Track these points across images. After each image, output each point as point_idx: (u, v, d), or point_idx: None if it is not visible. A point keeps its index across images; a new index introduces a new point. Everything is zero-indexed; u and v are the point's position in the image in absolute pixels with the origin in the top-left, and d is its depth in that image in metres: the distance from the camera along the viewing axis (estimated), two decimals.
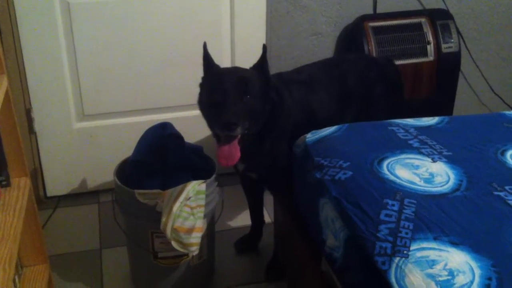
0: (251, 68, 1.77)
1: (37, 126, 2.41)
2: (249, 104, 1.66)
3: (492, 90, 3.00)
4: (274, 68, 2.49)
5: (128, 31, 2.36)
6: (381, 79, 2.15)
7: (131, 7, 2.33)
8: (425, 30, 2.60)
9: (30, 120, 2.38)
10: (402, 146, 1.58)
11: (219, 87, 1.67)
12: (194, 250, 1.79)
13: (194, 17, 2.41)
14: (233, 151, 1.67)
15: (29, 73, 2.31)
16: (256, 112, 1.68)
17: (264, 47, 1.74)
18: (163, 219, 1.72)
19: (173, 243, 1.75)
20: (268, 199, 2.13)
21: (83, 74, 2.38)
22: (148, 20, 2.37)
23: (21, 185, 1.53)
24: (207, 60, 1.79)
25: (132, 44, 2.38)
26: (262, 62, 1.75)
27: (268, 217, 2.29)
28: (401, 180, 1.40)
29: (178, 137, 1.96)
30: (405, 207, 1.29)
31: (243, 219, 2.38)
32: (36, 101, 2.37)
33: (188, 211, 1.75)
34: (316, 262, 1.54)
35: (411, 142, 1.61)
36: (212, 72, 1.78)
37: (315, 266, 1.54)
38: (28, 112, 2.37)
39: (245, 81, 1.69)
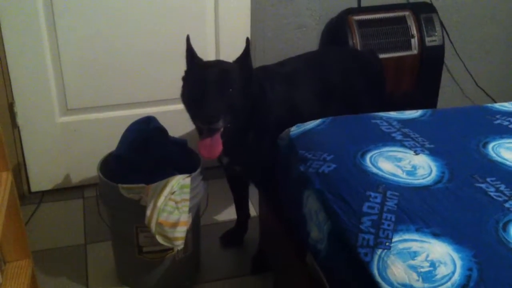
0: (234, 61, 1.77)
1: (20, 120, 2.39)
2: (231, 97, 1.66)
3: (476, 83, 3.03)
4: (259, 61, 2.50)
5: (112, 24, 2.34)
6: (365, 71, 2.16)
7: None
8: (409, 23, 2.62)
9: (13, 114, 2.36)
10: (385, 139, 1.59)
11: (201, 81, 1.67)
12: (179, 244, 1.79)
13: (178, 10, 2.39)
14: (215, 144, 1.67)
15: (12, 67, 2.28)
16: (238, 105, 1.68)
17: (248, 41, 1.74)
18: (148, 214, 1.72)
19: (158, 237, 1.74)
20: (254, 193, 2.14)
21: (66, 67, 2.36)
22: (132, 13, 2.35)
23: (2, 179, 1.51)
24: (190, 53, 1.79)
25: (115, 38, 2.37)
26: (245, 56, 1.75)
27: (253, 211, 2.29)
28: (384, 172, 1.41)
29: (162, 131, 1.95)
30: (388, 199, 1.30)
31: (229, 213, 2.38)
32: (19, 95, 2.34)
33: (173, 205, 1.75)
34: (300, 254, 1.55)
35: (394, 135, 1.62)
36: (194, 65, 1.78)
37: (300, 258, 1.55)
38: (10, 106, 2.35)
39: (227, 74, 1.69)
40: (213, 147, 1.67)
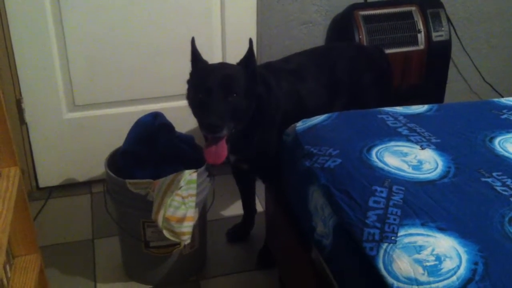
0: (237, 63, 1.74)
1: (27, 117, 2.40)
2: (234, 103, 1.63)
3: (483, 78, 3.01)
4: (265, 57, 2.50)
5: (119, 20, 2.35)
6: (371, 67, 2.15)
7: None
8: (415, 18, 2.61)
9: (20, 111, 2.38)
10: (391, 134, 1.59)
11: (204, 86, 1.64)
12: (186, 239, 1.80)
13: (185, 7, 2.40)
14: (220, 151, 1.65)
15: (19, 64, 2.30)
16: (241, 110, 1.66)
17: (251, 42, 1.71)
18: (155, 209, 1.73)
19: (165, 232, 1.75)
20: (260, 188, 2.14)
21: (73, 64, 2.37)
22: (138, 9, 2.36)
23: (10, 175, 1.52)
24: (195, 55, 1.76)
25: (122, 34, 2.38)
26: (249, 57, 1.72)
27: (260, 206, 2.30)
28: (390, 167, 1.41)
29: (169, 126, 1.96)
30: (394, 194, 1.30)
31: (235, 209, 2.39)
32: (27, 92, 2.36)
33: (180, 201, 1.75)
34: (306, 249, 1.55)
35: (400, 130, 1.62)
36: (198, 68, 1.75)
37: (305, 253, 1.55)
38: (18, 102, 2.36)
39: (230, 79, 1.66)
40: (218, 154, 1.64)
